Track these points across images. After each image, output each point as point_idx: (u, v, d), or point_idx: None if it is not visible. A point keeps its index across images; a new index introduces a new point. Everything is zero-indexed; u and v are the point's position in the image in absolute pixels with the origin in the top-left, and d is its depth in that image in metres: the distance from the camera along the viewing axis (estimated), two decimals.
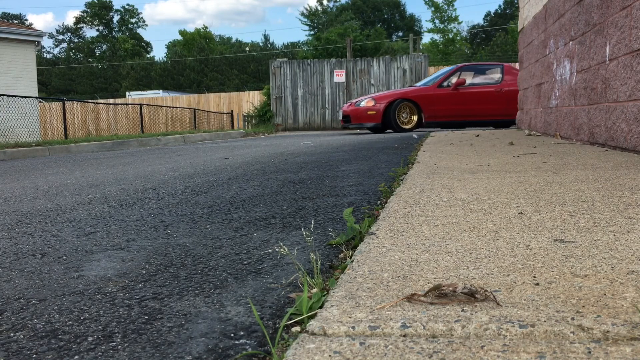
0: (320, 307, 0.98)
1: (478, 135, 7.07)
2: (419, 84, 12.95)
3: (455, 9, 40.16)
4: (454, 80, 11.81)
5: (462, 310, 0.91)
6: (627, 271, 1.08)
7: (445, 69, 12.80)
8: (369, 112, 11.41)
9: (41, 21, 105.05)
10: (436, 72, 13.17)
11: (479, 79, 12.05)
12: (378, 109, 11.34)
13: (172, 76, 53.52)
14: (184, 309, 1.15)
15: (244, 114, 24.83)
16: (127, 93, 37.29)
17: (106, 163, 5.90)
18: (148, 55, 66.02)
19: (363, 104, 11.61)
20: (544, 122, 6.58)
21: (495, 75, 12.11)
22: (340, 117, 12.39)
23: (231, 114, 26.02)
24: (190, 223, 2.11)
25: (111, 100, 29.61)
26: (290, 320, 1.01)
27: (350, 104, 12.08)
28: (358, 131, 13.26)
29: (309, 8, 70.48)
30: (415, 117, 11.54)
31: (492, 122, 12.04)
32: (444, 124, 11.88)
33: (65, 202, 2.84)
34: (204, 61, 54.02)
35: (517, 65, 18.55)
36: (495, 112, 11.79)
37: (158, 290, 1.29)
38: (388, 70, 18.83)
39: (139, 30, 69.44)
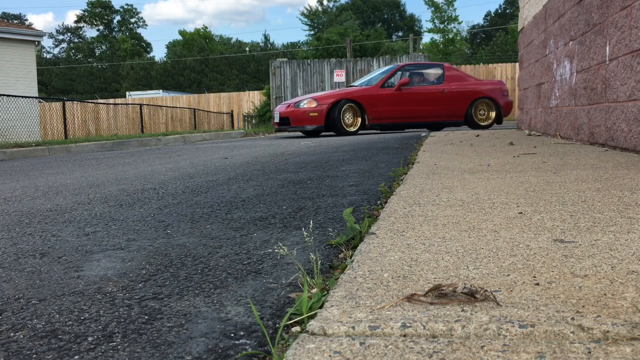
0: (320, 307, 0.98)
1: (478, 135, 7.07)
2: (358, 83, 12.30)
3: (455, 9, 40.16)
4: (396, 80, 11.35)
5: (462, 310, 0.91)
6: (627, 271, 1.08)
7: (386, 67, 12.29)
8: (310, 114, 10.66)
9: (41, 21, 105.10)
10: (375, 71, 12.55)
11: (421, 79, 11.67)
12: (320, 110, 10.63)
13: (172, 76, 53.52)
14: (184, 309, 1.15)
15: (244, 114, 24.86)
16: (127, 93, 37.29)
17: (106, 163, 5.90)
18: (148, 55, 66.04)
19: (304, 105, 10.82)
20: (544, 122, 6.59)
21: (437, 75, 11.73)
22: (276, 120, 11.39)
23: (231, 114, 26.02)
24: (190, 223, 2.11)
25: (111, 100, 29.62)
26: (290, 320, 1.01)
27: (288, 105, 11.20)
28: (364, 132, 13.11)
29: (309, 8, 70.49)
30: (359, 119, 10.95)
31: (436, 124, 11.70)
32: (388, 126, 11.40)
33: (65, 202, 2.84)
34: (204, 61, 54.02)
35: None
36: (439, 113, 11.45)
37: (158, 290, 1.29)
38: None
39: (139, 30, 69.49)
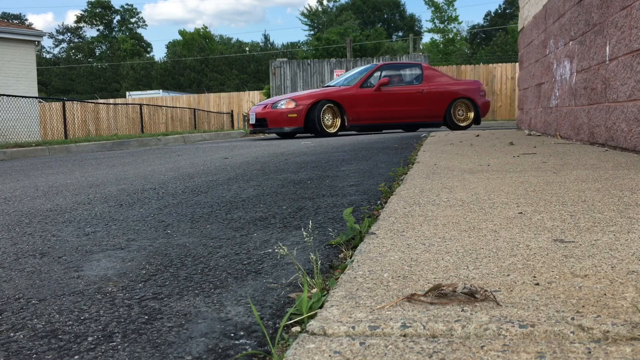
0: (320, 307, 0.98)
1: (478, 135, 7.07)
2: (335, 83, 11.87)
3: (455, 9, 40.16)
4: (376, 79, 11.02)
5: (462, 310, 0.91)
6: (627, 271, 1.08)
7: (364, 67, 11.91)
8: (289, 115, 10.25)
9: (41, 21, 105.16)
10: (351, 71, 12.22)
11: (400, 79, 11.40)
12: (300, 111, 10.23)
13: (172, 76, 53.53)
14: (184, 309, 1.15)
15: (244, 114, 24.84)
16: (127, 93, 37.29)
17: (106, 163, 5.90)
18: (148, 55, 66.05)
19: (282, 105, 10.39)
20: (544, 122, 6.59)
21: (415, 75, 11.49)
22: (252, 121, 10.91)
23: (231, 114, 26.03)
24: (190, 223, 2.11)
25: (111, 100, 29.63)
26: (290, 320, 1.01)
27: (264, 106, 10.75)
28: (354, 132, 12.69)
29: (309, 8, 70.48)
30: (338, 120, 10.61)
31: (415, 125, 11.49)
32: (367, 127, 11.08)
33: (65, 202, 2.84)
34: (204, 61, 54.02)
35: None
36: (419, 114, 11.20)
37: (158, 290, 1.29)
38: None
39: (139, 30, 69.51)
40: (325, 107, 10.39)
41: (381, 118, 11.00)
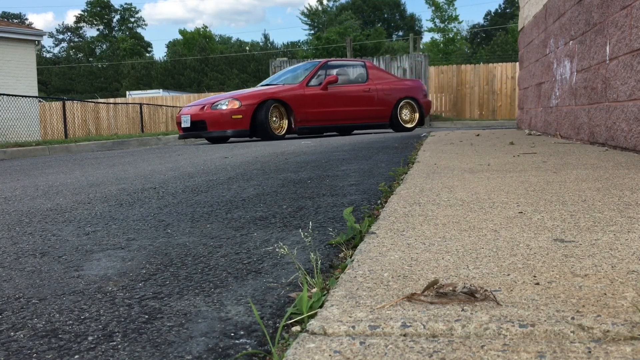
0: (321, 307, 0.98)
1: (478, 135, 7.07)
2: (274, 81, 10.88)
3: (455, 9, 40.16)
4: (321, 77, 10.19)
5: (462, 310, 0.91)
6: (627, 271, 1.08)
7: (305, 63, 11.16)
8: (234, 117, 9.19)
9: (41, 20, 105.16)
10: (290, 68, 11.32)
11: (346, 77, 10.62)
12: (245, 111, 9.23)
13: (172, 75, 53.53)
14: (184, 309, 1.15)
15: None
16: (127, 92, 37.28)
17: (106, 162, 5.90)
18: (148, 55, 66.05)
19: (224, 106, 9.32)
20: (544, 122, 6.58)
21: (360, 73, 10.80)
22: (185, 124, 9.69)
23: None
24: (191, 222, 2.11)
25: (111, 100, 29.61)
26: (291, 319, 1.01)
27: (201, 107, 9.61)
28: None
29: (309, 7, 70.48)
30: (285, 122, 9.73)
31: (363, 127, 10.80)
32: (316, 129, 10.22)
33: (65, 202, 2.84)
34: (204, 61, 54.01)
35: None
36: (367, 115, 10.56)
37: (158, 290, 1.29)
38: (388, 70, 18.82)
39: (139, 30, 69.52)
40: (272, 107, 9.50)
41: (329, 119, 10.23)
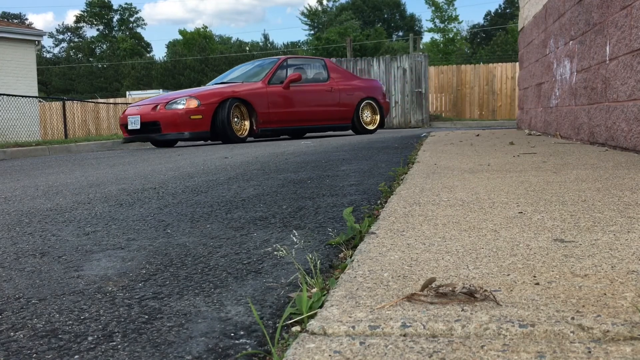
0: (320, 307, 0.98)
1: (478, 135, 7.07)
2: (231, 77, 10.07)
3: (455, 9, 40.18)
4: (282, 75, 9.53)
5: (462, 310, 0.90)
6: (627, 271, 1.08)
7: (264, 60, 10.46)
8: (192, 117, 8.36)
9: (41, 21, 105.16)
10: (249, 64, 10.55)
11: (307, 76, 10.05)
12: (205, 111, 8.40)
13: (172, 75, 53.53)
14: (184, 309, 1.15)
15: None
16: (128, 92, 37.25)
17: (106, 162, 5.90)
18: (148, 55, 66.06)
19: (181, 105, 8.44)
20: (544, 122, 6.58)
21: (320, 72, 10.31)
22: (132, 126, 8.72)
23: None
24: (190, 222, 2.11)
25: (111, 100, 29.61)
26: (290, 319, 1.01)
27: (154, 106, 8.65)
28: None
29: (309, 8, 70.43)
30: (247, 123, 9.00)
31: (327, 128, 10.27)
32: (278, 132, 9.60)
33: (65, 202, 2.84)
34: (204, 60, 54.03)
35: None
36: (330, 116, 10.07)
37: (158, 290, 1.29)
38: (388, 70, 18.82)
39: (139, 30, 69.53)
40: (233, 107, 8.72)
41: (293, 121, 9.63)
